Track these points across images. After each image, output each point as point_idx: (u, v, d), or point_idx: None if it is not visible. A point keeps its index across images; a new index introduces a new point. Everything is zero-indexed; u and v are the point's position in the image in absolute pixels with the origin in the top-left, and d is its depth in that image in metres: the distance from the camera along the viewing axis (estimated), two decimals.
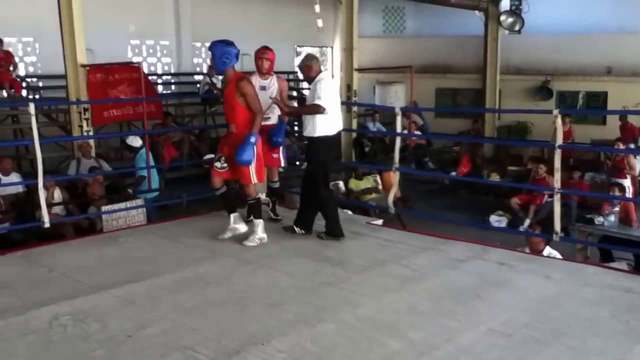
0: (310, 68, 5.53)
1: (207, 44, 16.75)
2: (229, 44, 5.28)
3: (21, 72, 12.97)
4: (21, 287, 4.39)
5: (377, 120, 15.02)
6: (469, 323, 3.71)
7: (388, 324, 3.72)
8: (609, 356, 3.33)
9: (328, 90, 5.46)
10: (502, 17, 16.15)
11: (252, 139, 5.06)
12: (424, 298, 4.13)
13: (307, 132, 5.50)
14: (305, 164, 5.75)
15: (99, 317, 3.79)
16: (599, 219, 7.87)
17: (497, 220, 10.95)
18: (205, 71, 15.40)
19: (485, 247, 5.29)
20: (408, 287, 4.33)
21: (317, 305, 4.00)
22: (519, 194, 10.84)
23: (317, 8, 12.92)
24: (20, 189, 8.13)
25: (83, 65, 8.40)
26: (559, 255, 5.73)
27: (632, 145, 12.21)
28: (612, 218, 7.94)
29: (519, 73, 16.61)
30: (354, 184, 11.31)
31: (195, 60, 16.36)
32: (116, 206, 7.10)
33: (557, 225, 5.20)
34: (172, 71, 15.74)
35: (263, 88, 5.77)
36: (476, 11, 16.42)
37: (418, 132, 15.05)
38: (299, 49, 19.51)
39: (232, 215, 5.44)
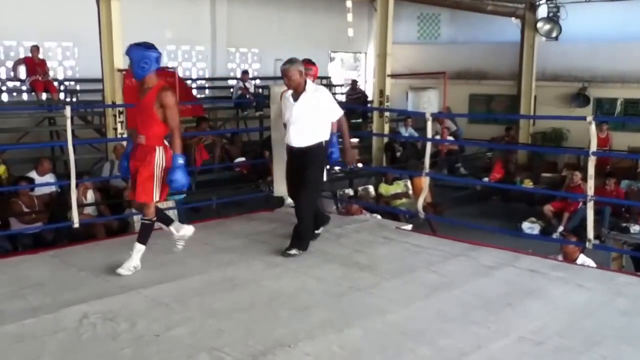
0: (302, 73, 5.06)
1: (242, 50, 17.12)
2: (149, 47, 4.59)
3: (60, 75, 13.29)
4: (52, 286, 4.45)
5: (410, 126, 14.95)
6: (499, 331, 3.64)
7: (416, 330, 3.67)
8: None
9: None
10: (540, 24, 16.01)
11: (180, 161, 4.52)
12: (454, 305, 4.07)
13: (316, 139, 5.13)
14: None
15: (128, 316, 3.83)
16: (634, 228, 7.73)
17: (530, 227, 10.85)
18: (239, 76, 15.55)
19: (516, 254, 5.20)
20: (437, 293, 4.28)
21: (345, 310, 3.97)
22: (553, 201, 10.69)
23: (350, 17, 13.00)
24: (54, 189, 8.29)
25: (119, 70, 8.55)
26: (593, 264, 5.62)
27: None
28: None
29: (555, 80, 16.42)
30: (384, 188, 11.28)
31: (230, 66, 16.54)
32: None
33: (590, 233, 5.09)
34: (207, 76, 15.94)
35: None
36: (513, 18, 16.29)
37: (450, 138, 14.94)
38: (332, 55, 19.58)
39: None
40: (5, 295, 4.24)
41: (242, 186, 10.24)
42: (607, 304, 4.14)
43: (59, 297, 4.18)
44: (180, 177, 4.50)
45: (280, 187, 6.48)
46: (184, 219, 7.47)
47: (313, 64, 5.57)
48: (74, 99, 13.01)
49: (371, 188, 11.53)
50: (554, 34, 16.32)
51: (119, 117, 8.55)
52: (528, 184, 12.41)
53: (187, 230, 4.86)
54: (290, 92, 5.20)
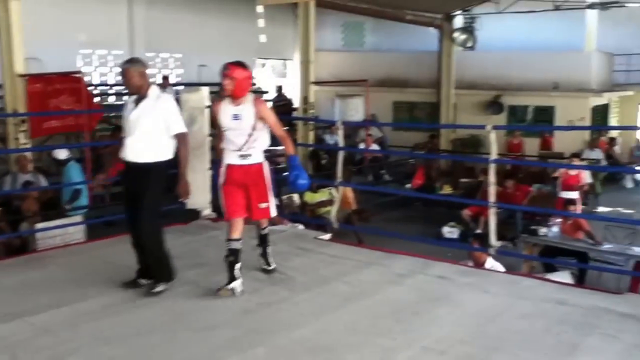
0: (144, 76, 4.43)
1: (163, 55, 16.73)
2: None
3: None
4: None
5: (335, 133, 15.07)
6: (404, 342, 3.71)
7: (323, 346, 3.66)
8: None
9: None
10: (456, 34, 16.58)
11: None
12: (363, 316, 4.11)
13: (156, 155, 4.43)
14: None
15: (8, 348, 3.53)
16: (542, 230, 8.05)
17: (450, 231, 11.14)
18: (159, 82, 15.25)
19: (427, 261, 5.31)
20: (347, 305, 4.30)
21: (252, 328, 3.88)
22: (470, 205, 11.02)
23: (262, 22, 13.06)
24: None
25: (21, 75, 8.15)
26: (501, 268, 5.83)
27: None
28: (555, 229, 8.13)
29: (472, 88, 17.01)
30: (309, 196, 11.28)
31: (150, 71, 16.14)
32: (51, 223, 6.73)
33: (493, 239, 5.27)
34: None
35: (236, 117, 4.45)
36: (431, 28, 16.77)
37: (375, 145, 15.19)
38: (263, 62, 19.54)
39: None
40: None
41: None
42: (509, 308, 4.28)
43: None
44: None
45: (193, 199, 6.35)
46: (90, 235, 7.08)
47: (244, 67, 4.39)
48: None
49: (296, 196, 11.53)
50: (469, 44, 16.93)
51: (21, 125, 8.09)
52: (447, 189, 12.76)
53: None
54: (133, 97, 4.51)
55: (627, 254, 7.37)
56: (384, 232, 8.92)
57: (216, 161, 4.90)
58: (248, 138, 4.47)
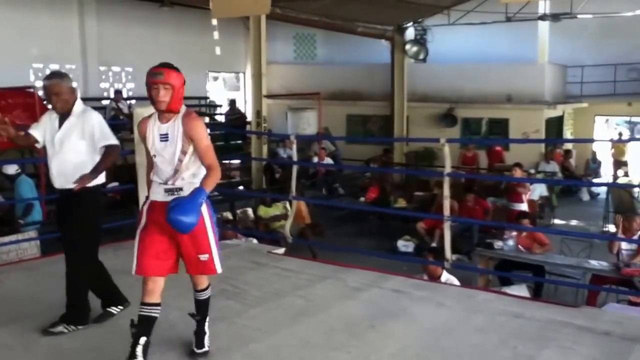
0: (74, 92, 4.05)
1: (115, 69, 16.50)
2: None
3: None
4: None
5: (288, 147, 15.03)
6: (360, 356, 3.66)
7: None
8: None
9: None
10: (407, 46, 16.70)
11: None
12: (318, 331, 4.05)
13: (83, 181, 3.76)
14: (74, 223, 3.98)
15: None
16: (498, 244, 8.08)
17: (405, 245, 11.14)
18: (112, 96, 15.02)
19: (382, 274, 5.29)
20: (302, 319, 4.25)
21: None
22: (425, 219, 11.07)
23: (216, 35, 12.97)
24: None
25: None
26: (456, 282, 5.83)
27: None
28: (510, 242, 8.16)
29: (425, 100, 17.13)
30: (263, 211, 11.20)
31: (102, 85, 15.91)
32: (5, 239, 6.73)
33: (448, 253, 5.27)
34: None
35: (163, 139, 3.42)
36: (383, 40, 16.88)
37: (329, 159, 15.19)
38: (215, 75, 19.39)
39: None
40: None
41: (114, 212, 9.78)
42: (465, 322, 4.27)
43: None
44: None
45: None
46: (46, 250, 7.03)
47: (179, 71, 3.45)
48: None
49: (250, 210, 11.43)
50: (421, 56, 17.10)
51: None
52: (402, 203, 12.79)
53: None
54: (54, 115, 4.02)
55: (584, 267, 7.40)
56: (338, 248, 8.86)
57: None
58: (177, 166, 3.37)
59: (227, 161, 16.09)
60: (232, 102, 17.83)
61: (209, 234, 3.38)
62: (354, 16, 15.19)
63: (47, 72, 14.44)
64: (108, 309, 4.23)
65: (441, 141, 5.26)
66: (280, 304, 4.57)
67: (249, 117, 16.61)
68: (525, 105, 16.33)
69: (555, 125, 17.83)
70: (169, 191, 3.40)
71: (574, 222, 13.50)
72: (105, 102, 15.06)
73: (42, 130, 4.01)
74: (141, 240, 3.39)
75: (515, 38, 16.62)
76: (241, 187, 13.75)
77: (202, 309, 3.62)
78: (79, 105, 4.00)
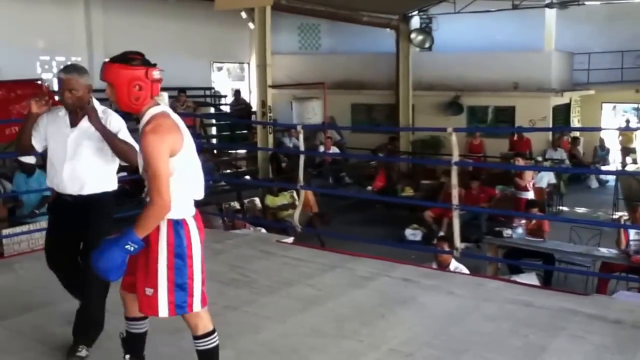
0: (89, 90, 3.55)
1: None
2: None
3: None
4: None
5: (294, 136, 15.03)
6: (371, 344, 3.67)
7: (289, 348, 3.63)
8: None
9: None
10: (413, 35, 16.61)
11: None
12: (328, 319, 4.06)
13: (104, 185, 3.57)
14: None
15: None
16: (507, 232, 8.06)
17: (413, 233, 11.15)
18: None
19: (392, 263, 5.29)
20: (312, 308, 4.26)
21: (219, 331, 3.72)
22: (432, 207, 11.06)
23: (244, 14, 13.12)
24: None
25: None
26: (465, 270, 5.84)
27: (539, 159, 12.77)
28: (520, 230, 8.16)
29: (430, 89, 17.06)
30: (270, 200, 11.23)
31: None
32: (17, 229, 6.78)
33: (458, 241, 5.26)
34: None
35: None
36: (388, 29, 16.80)
37: (335, 148, 15.17)
38: (219, 65, 19.37)
39: None
40: None
41: (123, 202, 9.82)
42: (475, 310, 4.27)
43: None
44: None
45: None
46: None
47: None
48: None
49: (257, 200, 11.45)
50: (426, 45, 17.02)
51: None
52: (408, 191, 12.78)
53: None
54: (64, 112, 3.55)
55: (594, 255, 7.36)
56: (347, 236, 8.87)
57: None
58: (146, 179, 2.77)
59: (233, 151, 16.16)
60: (237, 93, 17.83)
61: (159, 267, 2.74)
62: (358, 5, 15.11)
63: (54, 64, 14.55)
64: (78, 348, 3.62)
65: (448, 130, 5.23)
66: (290, 293, 4.59)
67: (254, 107, 16.62)
68: (532, 92, 16.23)
69: (562, 113, 17.73)
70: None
71: (582, 210, 13.44)
72: None
73: (42, 135, 3.59)
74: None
75: (522, 25, 16.49)
76: (248, 177, 13.77)
77: (135, 343, 3.12)
78: (96, 104, 3.56)
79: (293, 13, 15.73)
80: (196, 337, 2.92)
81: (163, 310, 2.78)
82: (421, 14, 16.93)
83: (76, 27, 14.80)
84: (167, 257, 2.74)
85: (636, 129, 20.69)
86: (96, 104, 3.55)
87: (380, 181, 13.14)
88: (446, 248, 5.84)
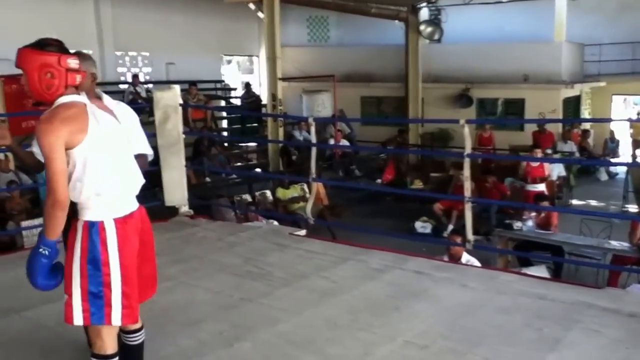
0: (93, 78, 3.29)
1: (131, 53, 16.58)
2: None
3: None
4: None
5: (304, 129, 15.07)
6: (386, 336, 3.71)
7: (305, 339, 3.68)
8: None
9: None
10: (422, 27, 16.58)
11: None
12: (343, 311, 4.11)
13: None
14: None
15: (5, 343, 3.60)
16: (517, 224, 8.10)
17: (422, 226, 11.20)
18: (129, 80, 15.14)
19: (404, 256, 5.32)
20: (327, 300, 4.31)
21: (236, 322, 3.93)
22: (442, 200, 11.10)
23: (252, 5, 13.14)
24: None
25: None
26: (477, 263, 5.87)
27: (549, 151, 12.73)
28: (530, 223, 8.19)
29: (439, 81, 17.02)
30: (281, 193, 11.30)
31: (120, 70, 16.03)
32: (36, 221, 6.90)
33: (470, 234, 5.29)
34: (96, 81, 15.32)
35: None
36: (396, 21, 16.77)
37: (344, 141, 15.21)
38: (228, 58, 19.41)
39: None
40: None
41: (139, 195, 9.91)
42: (488, 303, 4.29)
43: None
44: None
45: (171, 196, 6.35)
46: None
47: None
48: None
49: (268, 193, 11.52)
50: (436, 37, 16.98)
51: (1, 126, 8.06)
52: (418, 184, 12.82)
53: None
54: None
55: (605, 247, 7.35)
56: (359, 228, 8.92)
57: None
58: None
59: (244, 144, 16.22)
60: (248, 85, 17.88)
61: (73, 272, 2.59)
62: None
63: None
64: None
65: (461, 122, 5.25)
66: (305, 285, 4.64)
67: (264, 100, 16.67)
68: (542, 84, 16.15)
69: (572, 105, 17.65)
70: None
71: (593, 203, 13.42)
72: (123, 87, 15.18)
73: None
74: None
75: (532, 16, 16.41)
76: (258, 170, 13.84)
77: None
78: (108, 98, 3.10)
79: (302, 5, 15.75)
80: (92, 355, 2.71)
81: (77, 318, 2.59)
82: (430, 5, 16.88)
83: (86, 22, 14.94)
84: (80, 262, 2.57)
85: None
86: (107, 97, 3.16)
87: (390, 174, 13.19)
88: (458, 241, 5.87)
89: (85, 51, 12.59)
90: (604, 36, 16.99)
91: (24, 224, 6.85)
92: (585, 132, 16.94)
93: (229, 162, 13.28)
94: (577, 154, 15.41)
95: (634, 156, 16.77)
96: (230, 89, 18.74)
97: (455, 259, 5.63)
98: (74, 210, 2.60)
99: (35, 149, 3.02)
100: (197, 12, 16.80)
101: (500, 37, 16.60)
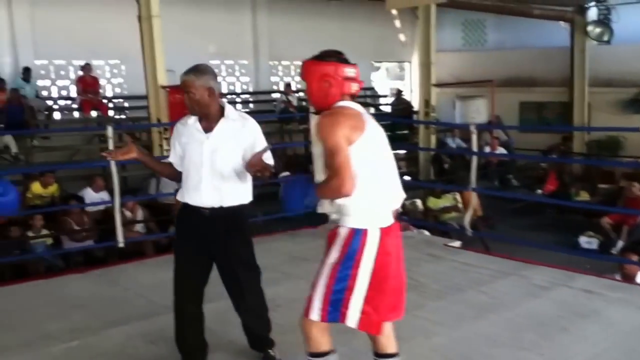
0: (211, 93, 3.20)
1: (284, 63, 17.12)
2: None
3: (108, 93, 13.59)
4: (97, 306, 4.48)
5: (457, 136, 14.69)
6: (553, 358, 3.44)
7: (462, 355, 3.53)
8: None
9: None
10: (590, 28, 15.51)
11: None
12: (503, 328, 3.89)
13: (242, 196, 3.33)
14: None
15: (171, 339, 3.72)
16: None
17: (588, 241, 10.40)
18: (282, 89, 15.65)
19: (571, 273, 4.96)
20: (486, 315, 4.10)
21: None
22: (611, 213, 10.25)
23: (397, 23, 12.88)
24: (109, 206, 8.39)
25: (163, 87, 8.63)
26: None
27: None
28: None
29: (609, 85, 15.81)
30: (433, 202, 11.04)
31: (273, 79, 16.61)
32: None
33: None
34: (250, 90, 16.05)
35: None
36: (561, 22, 15.86)
37: (501, 148, 14.61)
38: (377, 64, 19.46)
39: None
40: (50, 316, 4.29)
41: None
42: None
43: (103, 317, 4.19)
44: None
45: (324, 205, 6.38)
46: None
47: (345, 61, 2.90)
48: (122, 116, 13.25)
49: (419, 202, 11.31)
50: (605, 38, 15.78)
51: (165, 133, 8.62)
52: (584, 196, 11.95)
53: None
54: (193, 119, 3.29)
55: None
56: (518, 240, 8.47)
57: None
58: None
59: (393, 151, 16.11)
60: (399, 92, 17.76)
61: (324, 271, 2.75)
62: None
63: (223, 68, 15.40)
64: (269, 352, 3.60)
65: None
66: (462, 299, 4.46)
67: (415, 106, 16.47)
68: None
69: None
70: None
71: None
72: (275, 96, 15.72)
73: (176, 149, 3.37)
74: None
75: None
76: (408, 178, 13.66)
77: None
78: (230, 110, 3.28)
79: (458, 8, 15.37)
80: (308, 354, 2.75)
81: (315, 314, 2.64)
82: (599, 4, 15.74)
83: (244, 32, 15.56)
84: (333, 264, 2.66)
85: None
86: (230, 109, 3.28)
87: (552, 184, 12.43)
88: (634, 259, 5.35)
89: (241, 61, 13.24)
90: None
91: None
92: None
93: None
94: None
95: None
96: (380, 96, 18.74)
97: (630, 279, 5.13)
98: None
99: (315, 149, 3.25)
100: (350, 18, 16.94)
101: None
